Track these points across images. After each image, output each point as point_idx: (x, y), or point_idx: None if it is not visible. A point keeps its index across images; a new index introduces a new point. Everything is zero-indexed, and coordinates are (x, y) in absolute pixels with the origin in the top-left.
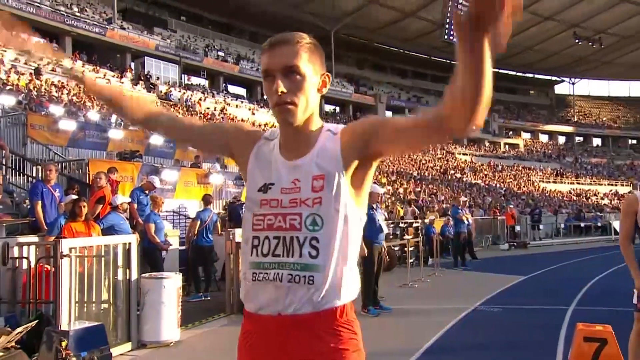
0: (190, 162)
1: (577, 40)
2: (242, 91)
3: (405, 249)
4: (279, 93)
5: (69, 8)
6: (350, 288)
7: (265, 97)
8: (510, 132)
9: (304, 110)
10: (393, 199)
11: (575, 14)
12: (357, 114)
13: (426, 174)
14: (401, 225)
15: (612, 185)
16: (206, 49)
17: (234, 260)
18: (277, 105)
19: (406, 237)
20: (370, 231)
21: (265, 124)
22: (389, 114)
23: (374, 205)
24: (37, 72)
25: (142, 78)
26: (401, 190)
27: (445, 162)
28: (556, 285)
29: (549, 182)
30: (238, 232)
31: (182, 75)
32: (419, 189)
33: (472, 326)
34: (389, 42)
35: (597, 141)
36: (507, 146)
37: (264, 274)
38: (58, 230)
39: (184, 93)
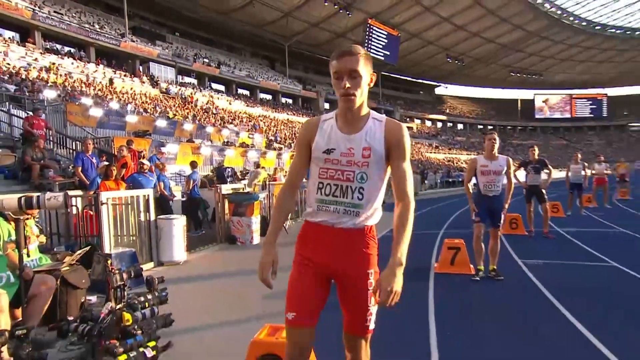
0: (186, 139)
1: (448, 59)
2: (222, 88)
3: None
4: (345, 88)
5: (92, 25)
6: (376, 217)
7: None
8: (408, 119)
9: (359, 98)
10: None
11: (447, 42)
12: (305, 104)
13: None
14: None
15: (469, 154)
16: (195, 57)
17: (220, 207)
18: (344, 95)
19: None
20: None
21: (239, 112)
22: (327, 105)
23: None
24: (111, 82)
25: (148, 78)
26: None
27: None
28: (434, 218)
29: (432, 153)
30: (224, 187)
31: (177, 76)
32: None
33: (382, 246)
34: (327, 54)
35: (460, 126)
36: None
37: (325, 207)
38: (96, 186)
39: (179, 89)
